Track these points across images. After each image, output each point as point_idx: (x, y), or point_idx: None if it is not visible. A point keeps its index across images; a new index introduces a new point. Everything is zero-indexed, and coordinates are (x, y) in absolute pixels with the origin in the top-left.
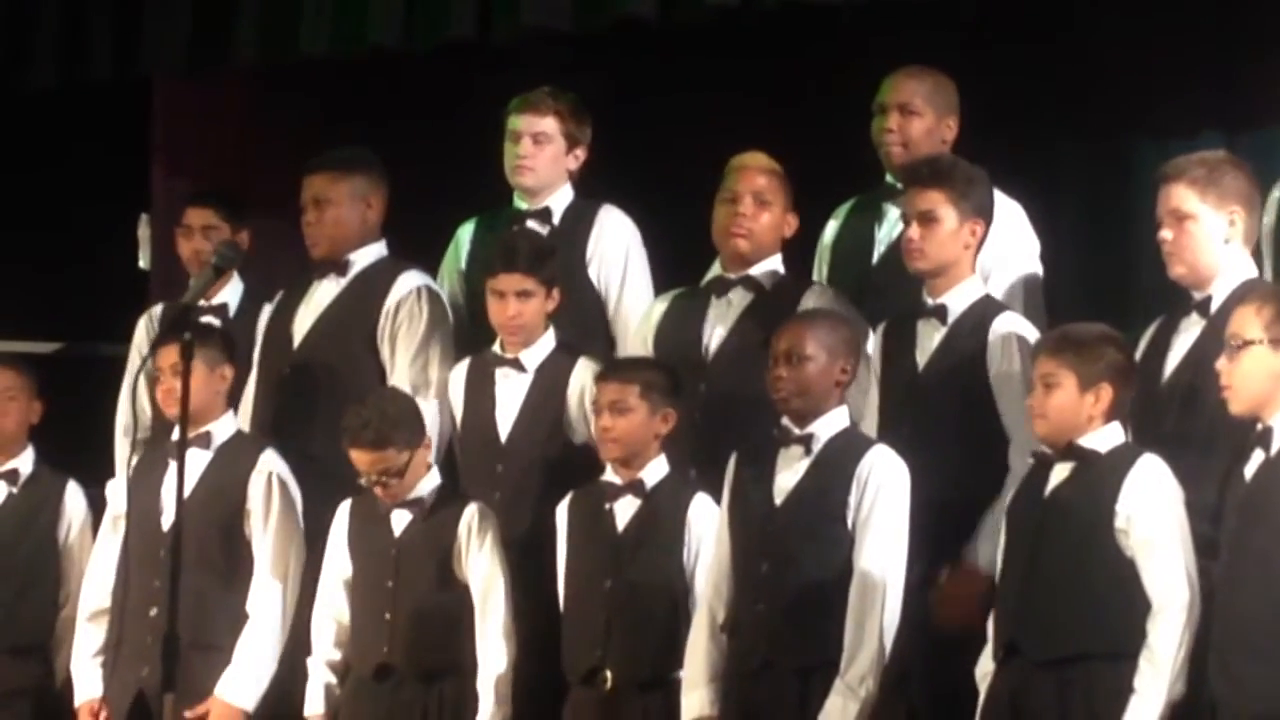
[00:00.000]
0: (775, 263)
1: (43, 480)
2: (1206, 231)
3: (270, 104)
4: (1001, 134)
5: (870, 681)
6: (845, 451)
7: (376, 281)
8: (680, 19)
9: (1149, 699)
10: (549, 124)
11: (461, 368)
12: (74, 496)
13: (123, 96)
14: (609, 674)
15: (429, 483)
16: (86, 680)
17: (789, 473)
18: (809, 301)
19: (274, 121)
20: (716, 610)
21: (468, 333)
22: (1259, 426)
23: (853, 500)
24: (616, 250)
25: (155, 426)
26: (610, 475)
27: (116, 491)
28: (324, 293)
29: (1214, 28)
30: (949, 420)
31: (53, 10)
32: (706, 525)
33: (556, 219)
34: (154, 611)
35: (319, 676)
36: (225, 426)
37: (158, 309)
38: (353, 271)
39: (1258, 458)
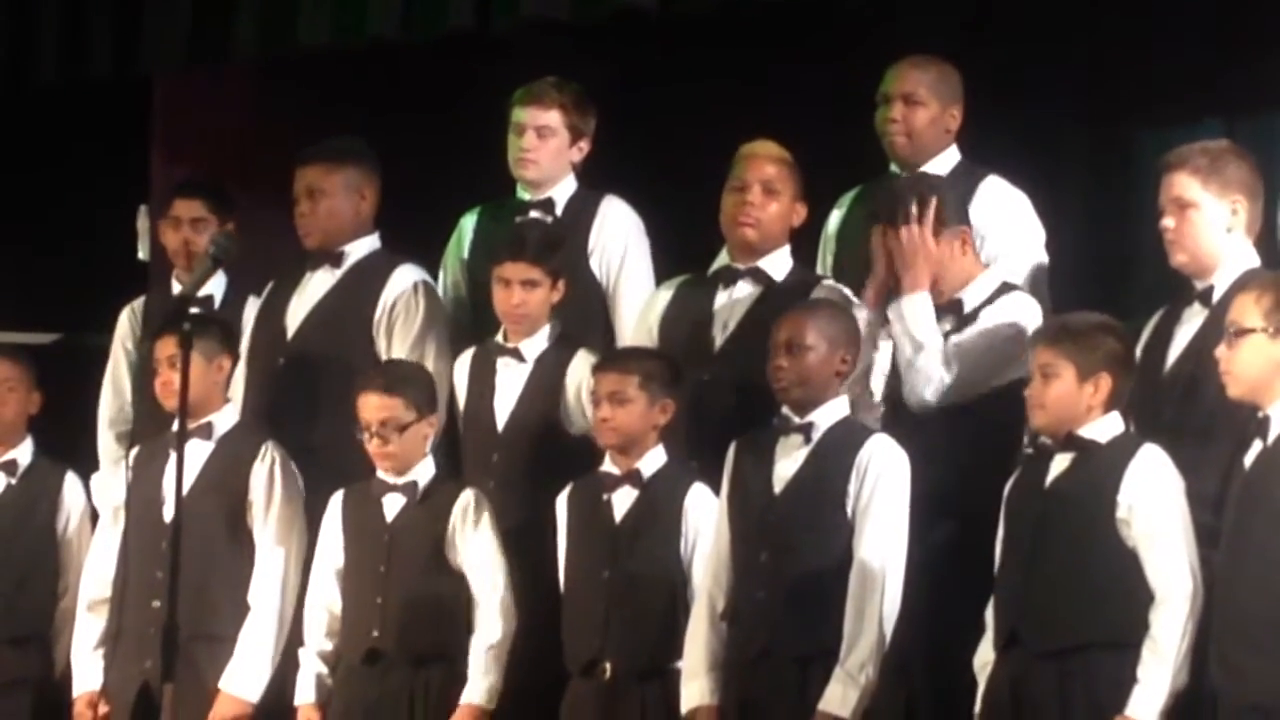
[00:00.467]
0: (784, 254)
1: (42, 471)
2: (1208, 220)
3: (269, 96)
4: (1002, 122)
5: (870, 669)
6: (845, 440)
7: (372, 274)
8: (680, 9)
9: (1153, 689)
10: (553, 117)
11: (466, 356)
12: (73, 487)
13: (123, 89)
14: (608, 665)
15: (425, 468)
16: (85, 672)
17: (788, 461)
18: (817, 296)
19: (273, 113)
20: (716, 599)
21: (469, 322)
22: (1258, 415)
23: (852, 489)
24: (617, 241)
25: (153, 418)
26: (608, 466)
27: (102, 486)
28: (318, 284)
29: (1214, 15)
30: (952, 411)
31: (54, 5)
32: (703, 515)
33: (559, 210)
34: (156, 603)
35: (310, 666)
36: (226, 417)
37: (139, 302)
38: (347, 263)
39: (1256, 448)
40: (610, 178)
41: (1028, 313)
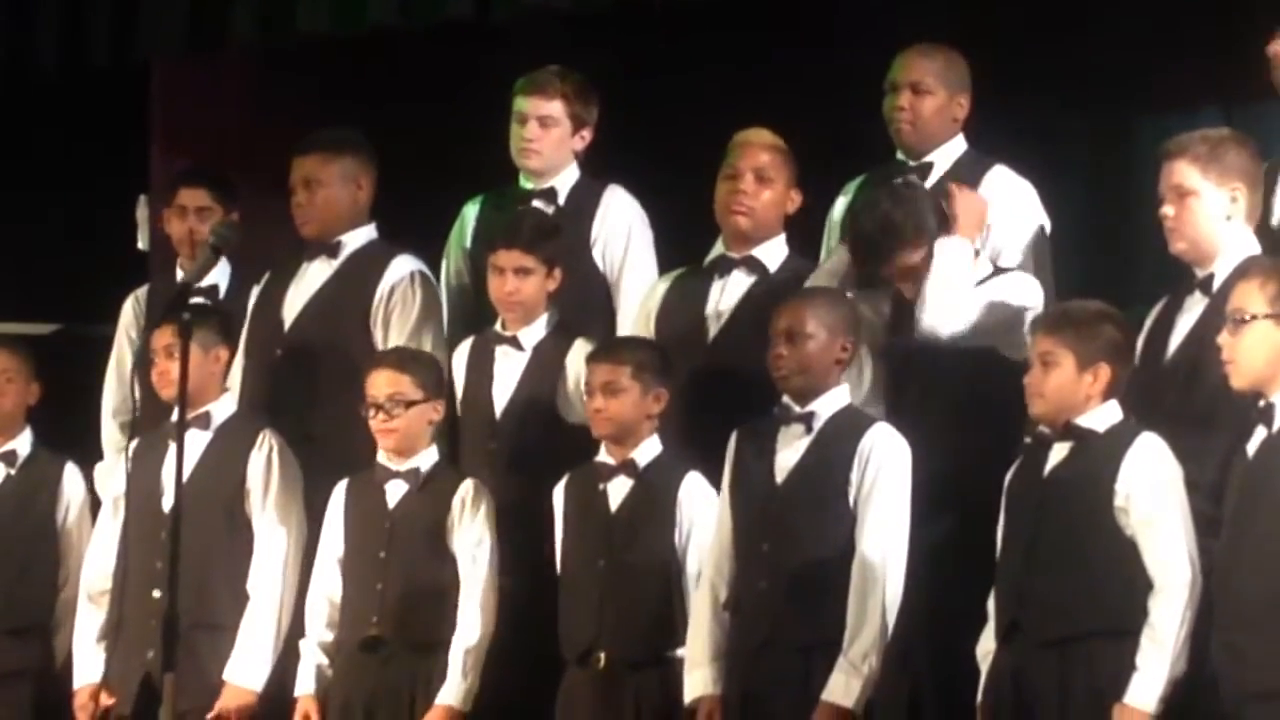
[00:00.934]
0: (779, 242)
1: (41, 461)
2: (1208, 208)
3: (269, 84)
4: (1002, 110)
5: (873, 659)
6: (846, 429)
7: (369, 264)
8: None
9: (1152, 676)
10: (555, 107)
11: (465, 345)
12: (72, 478)
13: (121, 78)
14: (602, 654)
15: (428, 456)
16: (87, 663)
17: (790, 451)
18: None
19: (272, 102)
20: (719, 589)
21: (473, 311)
22: (1261, 403)
23: (854, 478)
24: (621, 231)
25: (151, 408)
26: (604, 456)
27: (105, 475)
28: (315, 274)
29: (1214, 3)
30: (951, 396)
31: None
32: (698, 503)
33: (562, 199)
34: (156, 593)
35: (310, 657)
36: (224, 407)
37: (143, 290)
38: (344, 253)
39: (1259, 435)
40: (612, 167)
41: (1029, 286)
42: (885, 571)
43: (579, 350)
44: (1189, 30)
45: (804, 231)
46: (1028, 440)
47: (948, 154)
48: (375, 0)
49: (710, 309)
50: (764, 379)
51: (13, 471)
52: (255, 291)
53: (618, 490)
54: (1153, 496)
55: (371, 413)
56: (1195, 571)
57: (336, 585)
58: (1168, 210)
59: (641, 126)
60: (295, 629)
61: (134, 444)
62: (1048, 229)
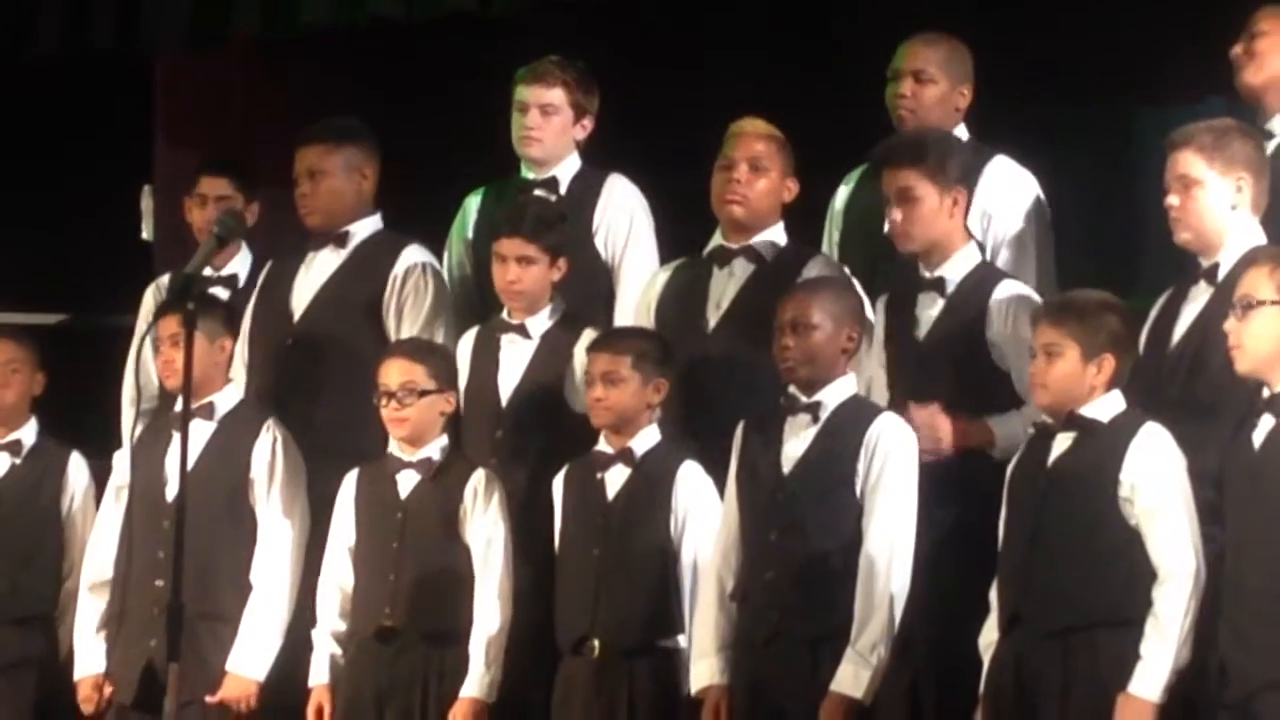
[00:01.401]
0: (777, 231)
1: (46, 452)
2: (1213, 198)
3: (272, 75)
4: (1004, 101)
5: (881, 649)
6: (853, 419)
7: (379, 253)
8: None
9: (1156, 665)
10: (556, 95)
11: (470, 334)
12: (77, 468)
13: (125, 68)
14: (596, 642)
15: (439, 446)
16: (88, 654)
17: (797, 441)
18: (811, 271)
19: (276, 92)
20: (725, 579)
21: (475, 302)
22: (1266, 393)
23: (861, 467)
24: (623, 219)
25: (167, 397)
26: (602, 445)
27: (122, 462)
28: (324, 264)
29: None
30: (951, 390)
31: None
32: (694, 492)
33: (563, 188)
34: (159, 582)
35: (324, 647)
36: (228, 397)
37: (165, 279)
38: (352, 243)
39: (1266, 424)
40: (613, 157)
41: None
42: (892, 561)
43: (588, 339)
44: (1192, 21)
45: (805, 221)
46: (1030, 430)
47: None
48: None
49: (710, 299)
50: (764, 368)
51: (18, 461)
52: (258, 281)
53: (615, 479)
54: (1157, 486)
55: (384, 401)
56: (1199, 561)
57: (348, 575)
58: (1173, 200)
59: (642, 117)
60: (299, 619)
61: (136, 434)
62: (1049, 219)
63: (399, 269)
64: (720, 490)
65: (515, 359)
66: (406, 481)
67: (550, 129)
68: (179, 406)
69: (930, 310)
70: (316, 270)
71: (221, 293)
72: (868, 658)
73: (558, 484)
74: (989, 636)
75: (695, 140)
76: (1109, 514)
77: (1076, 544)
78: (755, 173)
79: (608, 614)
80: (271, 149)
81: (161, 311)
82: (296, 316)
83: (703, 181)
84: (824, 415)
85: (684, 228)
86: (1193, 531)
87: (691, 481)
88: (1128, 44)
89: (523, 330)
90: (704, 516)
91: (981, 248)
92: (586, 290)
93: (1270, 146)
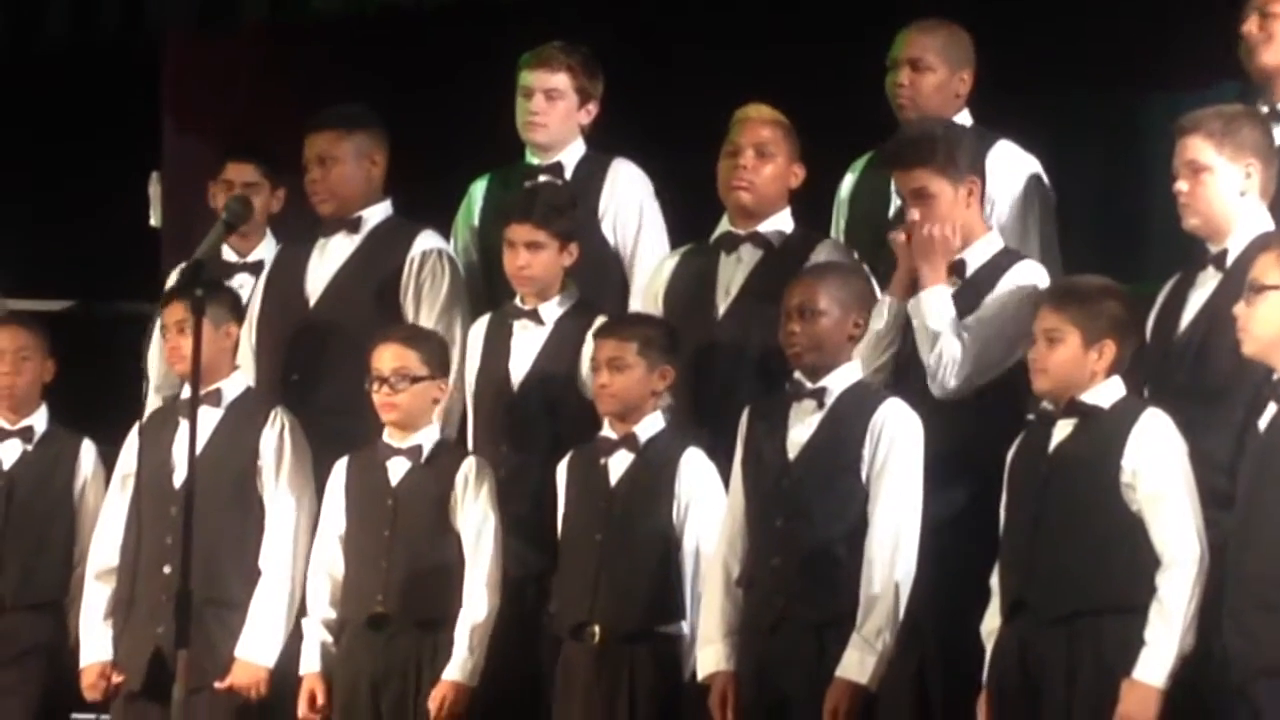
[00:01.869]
0: (784, 217)
1: (57, 438)
2: (1222, 184)
3: (280, 61)
4: (1014, 87)
5: (887, 634)
6: (858, 405)
7: (393, 239)
8: None
9: (1161, 651)
10: (561, 80)
11: (482, 321)
12: (88, 454)
13: (133, 55)
14: (596, 628)
15: (430, 433)
16: (95, 641)
17: (802, 427)
18: (819, 256)
19: (284, 78)
20: (731, 565)
21: (481, 288)
22: (1273, 378)
23: (866, 453)
24: (631, 204)
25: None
26: (606, 431)
27: (129, 450)
28: (337, 250)
29: None
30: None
31: None
32: (697, 478)
33: (569, 174)
34: (167, 569)
35: (314, 635)
36: (235, 384)
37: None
38: (365, 229)
39: (1271, 410)
40: (617, 144)
41: (1039, 286)
42: (898, 547)
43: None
44: (1202, 5)
45: (813, 207)
46: (1030, 417)
47: None
48: None
49: (718, 285)
50: (772, 354)
51: (29, 448)
52: (264, 266)
53: (618, 465)
54: (1159, 472)
55: (375, 386)
56: (1203, 546)
57: (338, 562)
58: (1181, 186)
59: (646, 102)
60: (305, 605)
61: (143, 420)
62: (1053, 204)
63: (414, 255)
64: (725, 477)
65: (527, 345)
66: (397, 469)
67: (555, 114)
68: (186, 393)
69: None
70: (330, 256)
71: (247, 279)
72: (873, 643)
73: (561, 470)
74: (991, 623)
75: (701, 126)
76: (1111, 500)
77: (1079, 530)
78: (761, 158)
79: (608, 599)
80: (279, 136)
81: (168, 298)
82: (312, 302)
83: (709, 167)
84: (829, 401)
85: (690, 214)
86: (1196, 517)
87: (695, 468)
88: (1136, 28)
89: (535, 316)
90: (707, 503)
91: None
92: (595, 276)
93: None
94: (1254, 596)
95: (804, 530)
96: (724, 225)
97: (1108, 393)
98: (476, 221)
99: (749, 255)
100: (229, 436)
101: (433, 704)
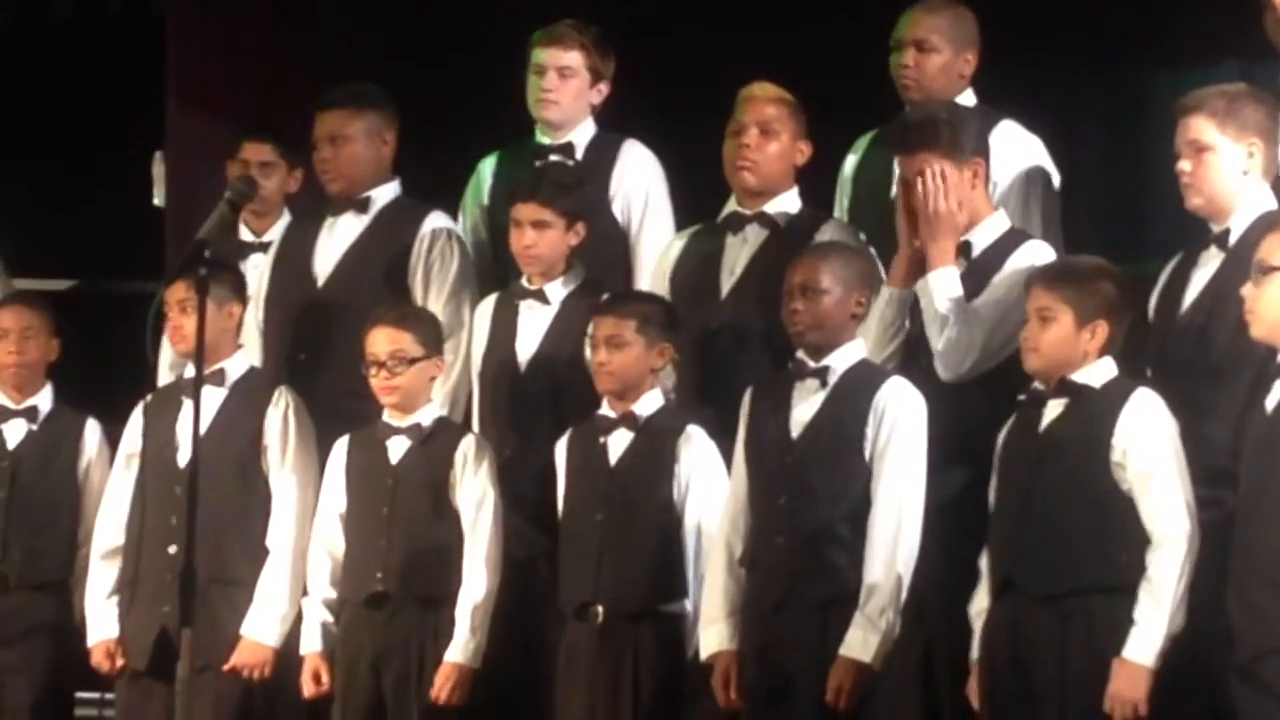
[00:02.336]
0: (791, 197)
1: (62, 418)
2: (1225, 163)
3: (286, 39)
4: (1018, 65)
5: (890, 614)
6: (861, 383)
7: (402, 218)
8: None
9: (1150, 631)
10: (574, 58)
11: (489, 301)
12: (93, 434)
13: (138, 31)
14: (600, 608)
15: (430, 411)
16: (101, 620)
17: (805, 405)
18: (824, 236)
19: (289, 57)
20: (734, 544)
21: (489, 267)
22: (1279, 358)
23: (869, 432)
24: (639, 185)
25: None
26: (605, 409)
27: (133, 429)
28: (345, 229)
29: None
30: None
31: None
32: (697, 457)
33: (579, 153)
34: (172, 549)
35: (315, 614)
36: (239, 363)
37: None
38: (374, 209)
39: (1278, 389)
40: (626, 123)
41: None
42: (901, 526)
43: None
44: None
45: (817, 189)
46: (1021, 398)
47: None
48: None
49: (723, 265)
50: (778, 334)
51: (34, 428)
52: (273, 246)
53: (618, 443)
54: (1150, 451)
55: (372, 371)
56: (1193, 525)
57: (338, 541)
58: (1184, 165)
59: (656, 82)
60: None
61: (147, 400)
62: (1056, 183)
63: (424, 235)
64: (729, 455)
65: (534, 325)
66: (397, 447)
67: (567, 92)
68: (189, 373)
69: None
70: (339, 236)
71: (263, 260)
72: (876, 622)
73: (560, 449)
74: (979, 604)
75: (708, 107)
76: (1101, 479)
77: (1069, 509)
78: (765, 136)
79: (611, 579)
80: (285, 114)
81: (172, 278)
82: (321, 281)
83: (716, 149)
84: (832, 380)
85: (699, 194)
86: (1186, 496)
87: (694, 445)
88: (1139, 7)
89: (541, 296)
90: (707, 481)
91: None
92: (604, 256)
93: None
94: (1259, 574)
95: (807, 509)
96: (731, 205)
97: (1099, 373)
98: (486, 200)
99: (755, 235)
100: (233, 416)
101: (435, 687)
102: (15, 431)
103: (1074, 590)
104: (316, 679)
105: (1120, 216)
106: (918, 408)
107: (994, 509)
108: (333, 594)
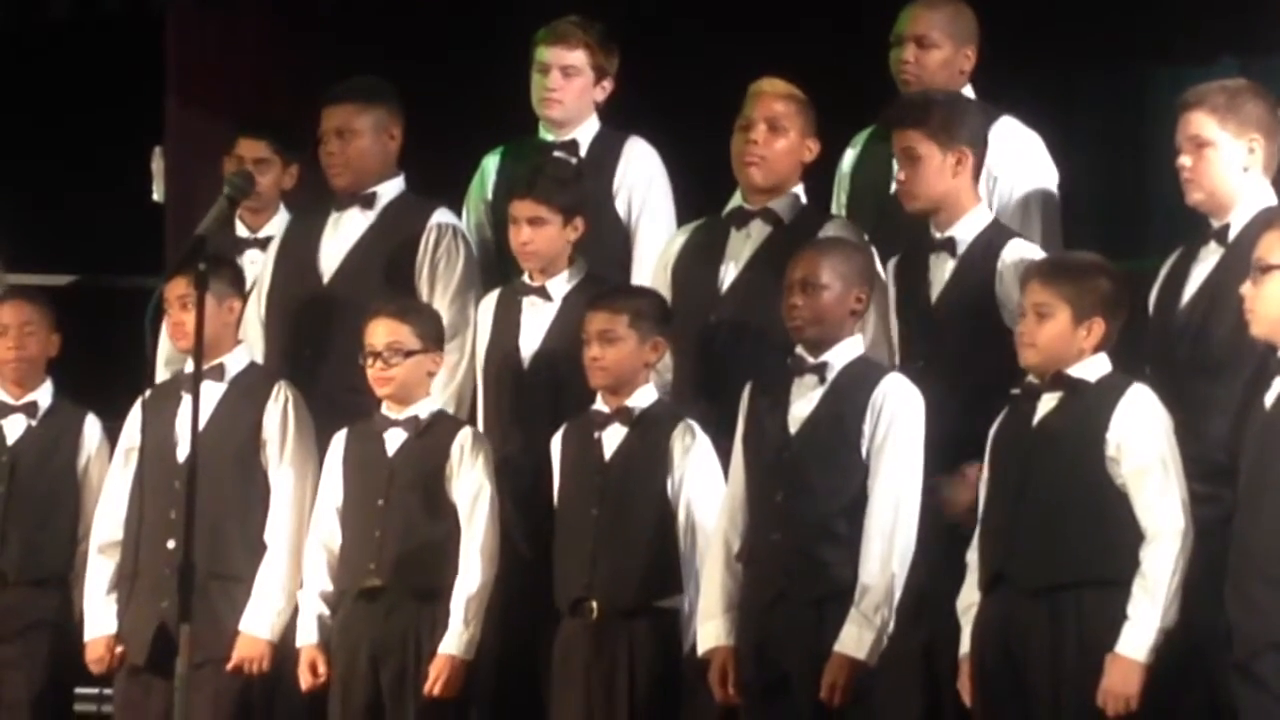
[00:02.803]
0: (797, 194)
1: (62, 413)
2: (1225, 159)
3: (286, 34)
4: (1017, 62)
5: (885, 610)
6: (859, 379)
7: (408, 215)
8: None
9: (1144, 626)
10: (578, 56)
11: (492, 297)
12: (93, 429)
13: (137, 27)
14: (594, 604)
15: (428, 405)
16: (99, 615)
17: (803, 401)
18: (826, 234)
19: (289, 52)
20: (731, 540)
21: (493, 263)
22: (1278, 355)
23: (867, 428)
24: (642, 182)
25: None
26: (599, 404)
27: (132, 424)
28: (351, 224)
29: None
30: (962, 351)
31: None
32: (691, 452)
33: (583, 151)
34: (171, 543)
35: (311, 607)
36: (238, 358)
37: None
38: (380, 204)
39: (1278, 386)
40: (630, 120)
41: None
42: (898, 522)
43: None
44: None
45: (815, 185)
46: (1015, 391)
47: None
48: None
49: (725, 260)
50: (778, 330)
51: (34, 423)
52: (274, 240)
53: (612, 438)
54: (1144, 446)
55: (369, 361)
56: (1187, 521)
57: (335, 534)
58: (1185, 161)
59: (659, 79)
60: None
61: (146, 395)
62: (1056, 180)
63: (430, 232)
64: (728, 451)
65: (537, 321)
66: (393, 440)
67: (571, 90)
68: (189, 368)
69: (942, 271)
70: (344, 232)
71: (259, 255)
72: (871, 619)
73: (555, 443)
74: (968, 599)
75: (713, 103)
76: (1095, 474)
77: (1062, 503)
78: (774, 133)
79: (605, 575)
80: (284, 110)
81: (171, 273)
82: (326, 277)
83: (721, 145)
84: (831, 376)
85: (705, 190)
86: (1180, 491)
87: (688, 440)
88: (1139, 3)
89: (543, 293)
90: (702, 476)
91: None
92: (609, 253)
93: None
94: (1259, 570)
95: (804, 505)
96: (736, 200)
97: (1093, 368)
98: (490, 195)
99: (758, 231)
100: (232, 411)
101: (429, 680)
102: (15, 427)
103: (1067, 584)
104: (313, 670)
105: (1119, 213)
106: (915, 404)
107: (984, 502)
108: (329, 587)
